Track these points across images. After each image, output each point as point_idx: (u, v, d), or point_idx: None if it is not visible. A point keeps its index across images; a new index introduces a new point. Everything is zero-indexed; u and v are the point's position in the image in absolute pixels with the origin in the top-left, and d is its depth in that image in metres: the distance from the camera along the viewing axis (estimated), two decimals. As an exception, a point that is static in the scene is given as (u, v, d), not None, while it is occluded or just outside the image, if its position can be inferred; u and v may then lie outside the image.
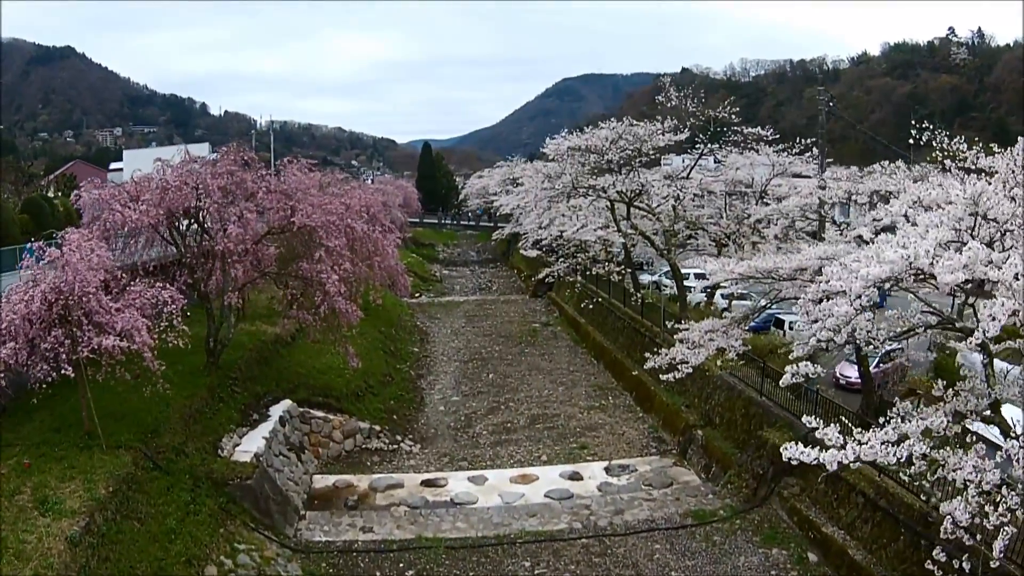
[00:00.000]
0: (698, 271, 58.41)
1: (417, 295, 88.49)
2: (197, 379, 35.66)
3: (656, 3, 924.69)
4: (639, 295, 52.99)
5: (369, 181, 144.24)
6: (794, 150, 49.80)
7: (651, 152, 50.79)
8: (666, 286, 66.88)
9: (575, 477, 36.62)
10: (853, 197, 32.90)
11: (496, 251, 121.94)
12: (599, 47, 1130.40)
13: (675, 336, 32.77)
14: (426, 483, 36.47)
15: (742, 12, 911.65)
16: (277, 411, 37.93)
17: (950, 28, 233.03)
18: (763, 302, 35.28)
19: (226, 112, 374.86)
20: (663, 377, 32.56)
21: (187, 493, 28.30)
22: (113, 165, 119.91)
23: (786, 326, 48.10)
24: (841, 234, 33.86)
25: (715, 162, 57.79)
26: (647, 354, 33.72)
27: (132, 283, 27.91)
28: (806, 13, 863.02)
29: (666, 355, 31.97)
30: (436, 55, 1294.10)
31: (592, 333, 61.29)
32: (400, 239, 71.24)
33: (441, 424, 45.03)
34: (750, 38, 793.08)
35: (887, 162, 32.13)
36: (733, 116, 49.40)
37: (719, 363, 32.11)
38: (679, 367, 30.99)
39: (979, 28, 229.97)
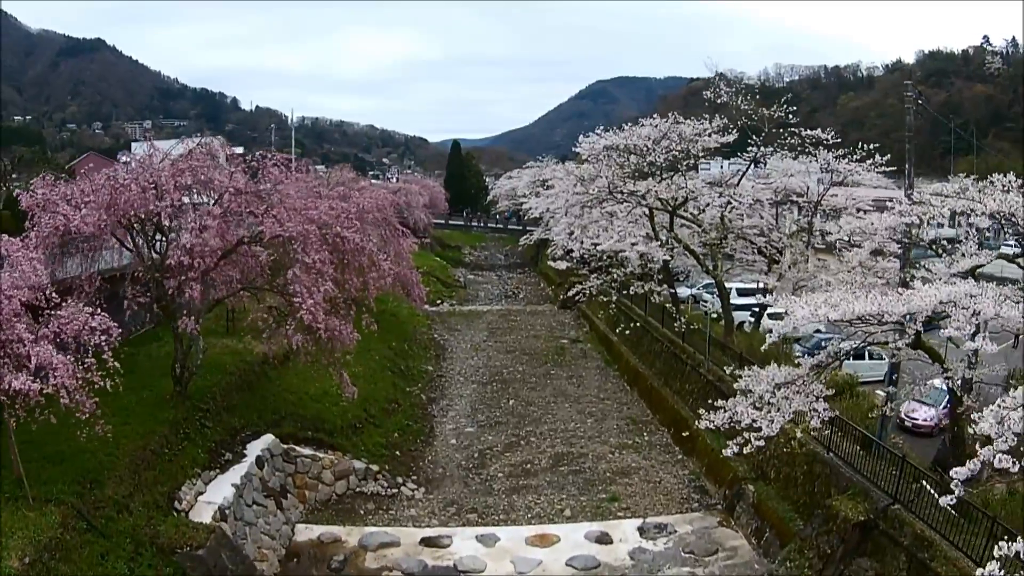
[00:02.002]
0: (740, 286, 52.96)
1: (438, 302, 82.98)
2: (160, 411, 30.20)
3: (689, 4, 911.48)
4: (683, 319, 46.77)
5: (393, 179, 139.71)
6: (854, 156, 43.83)
7: (700, 154, 45.14)
8: (706, 301, 61.52)
9: (603, 540, 30.73)
10: (959, 218, 26.95)
11: (525, 256, 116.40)
12: (632, 50, 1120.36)
13: (735, 385, 26.47)
14: (426, 541, 30.71)
15: (776, 16, 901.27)
16: (255, 449, 32.35)
17: (984, 37, 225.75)
18: (836, 338, 29.56)
19: (257, 107, 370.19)
20: (726, 453, 26.22)
21: (125, 563, 22.86)
22: (123, 158, 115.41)
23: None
24: (938, 255, 28.02)
25: (756, 167, 51.76)
26: (702, 410, 27.06)
27: (63, 304, 22.42)
28: (840, 17, 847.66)
29: (725, 412, 25.60)
30: (467, 55, 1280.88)
31: (626, 355, 55.26)
32: (417, 243, 65.77)
33: (451, 462, 39.32)
34: (784, 43, 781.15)
35: (1002, 175, 26.12)
36: (790, 116, 43.69)
37: (799, 432, 25.97)
38: (746, 434, 24.60)
39: (1013, 37, 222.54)
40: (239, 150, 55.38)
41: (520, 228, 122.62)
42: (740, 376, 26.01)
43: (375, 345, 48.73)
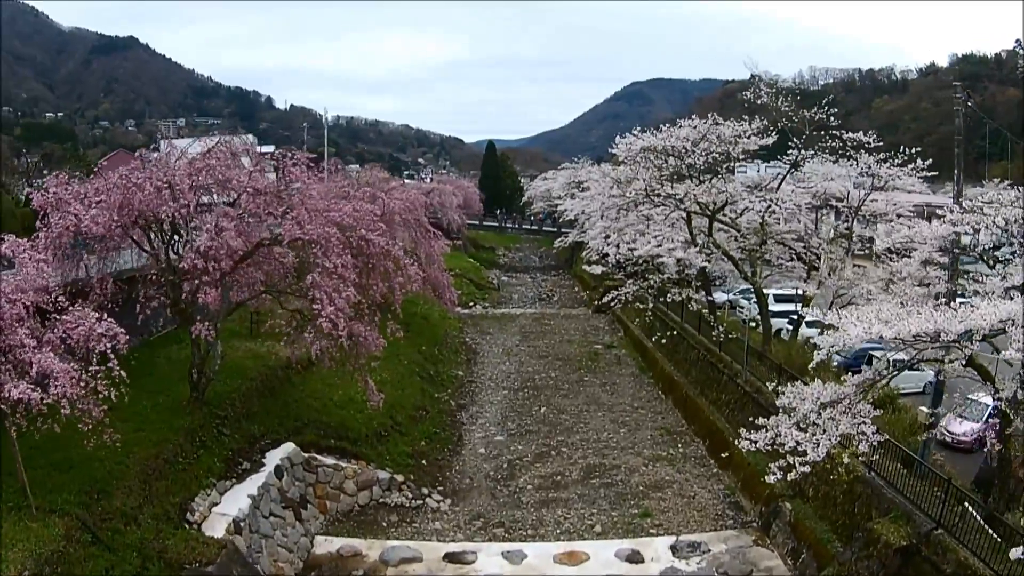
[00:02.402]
0: (777, 292, 51.32)
1: (471, 305, 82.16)
2: (175, 418, 29.20)
3: (723, 4, 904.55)
4: (721, 328, 44.96)
5: (427, 179, 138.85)
6: (896, 160, 42.05)
7: (740, 157, 43.61)
8: (742, 307, 59.95)
9: (634, 559, 29.30)
10: (1013, 227, 25.17)
11: (559, 257, 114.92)
12: (667, 51, 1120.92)
13: (777, 402, 24.81)
14: (450, 557, 29.42)
15: (811, 18, 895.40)
16: (275, 458, 31.29)
17: (1017, 41, 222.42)
18: (880, 350, 28.03)
19: (291, 106, 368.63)
20: (771, 479, 24.47)
21: (131, 579, 21.82)
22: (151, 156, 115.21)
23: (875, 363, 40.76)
24: (990, 266, 26.45)
25: (795, 170, 49.77)
26: (743, 430, 25.43)
27: (72, 307, 21.35)
28: (873, 20, 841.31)
29: (767, 432, 23.89)
30: (503, 56, 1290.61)
31: (661, 362, 53.61)
32: (449, 245, 64.53)
33: (479, 473, 38.02)
34: (818, 46, 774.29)
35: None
36: (831, 118, 42.06)
37: (846, 457, 24.07)
38: (789, 458, 22.97)
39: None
40: (269, 149, 54.53)
41: (555, 230, 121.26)
42: (782, 392, 24.41)
43: (404, 349, 47.59)
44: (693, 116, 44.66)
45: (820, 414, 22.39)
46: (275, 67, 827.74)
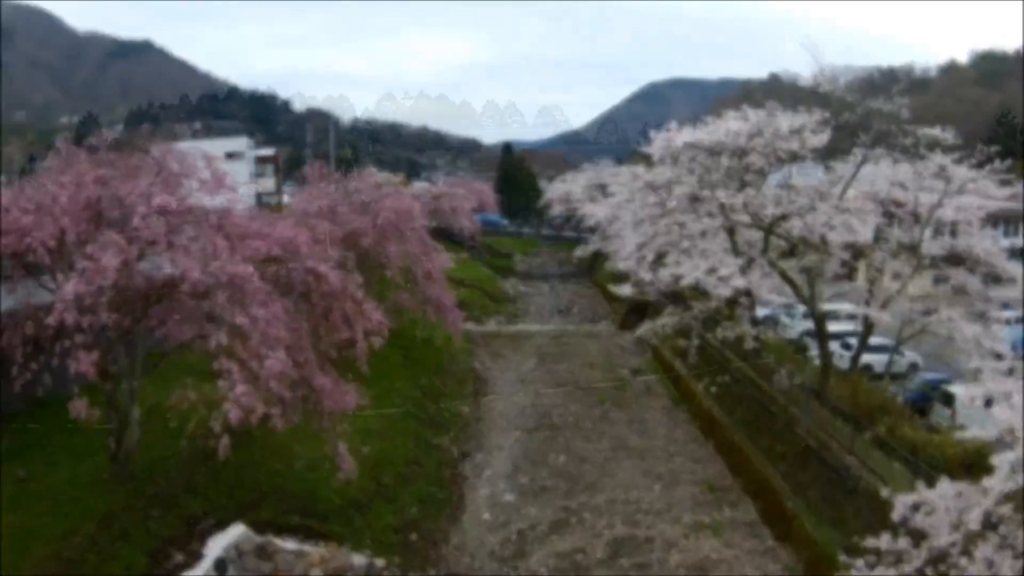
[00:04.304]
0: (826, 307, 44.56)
1: (483, 320, 75.78)
2: (92, 497, 22.80)
3: (739, 4, 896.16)
4: (782, 371, 37.25)
5: (439, 183, 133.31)
6: (972, 160, 35.70)
7: (807, 155, 36.83)
8: (786, 325, 53.26)
9: None
10: None
11: (580, 265, 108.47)
12: (685, 52, 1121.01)
13: (893, 515, 17.22)
14: None
15: (827, 17, 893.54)
16: (218, 546, 24.21)
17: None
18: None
19: (308, 109, 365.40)
20: None
21: None
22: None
23: (957, 403, 33.86)
24: None
25: (826, 171, 42.61)
26: (842, 557, 17.84)
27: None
28: (891, 17, 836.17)
29: (889, 566, 16.14)
30: (521, 56, 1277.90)
31: (699, 395, 46.03)
32: (453, 259, 57.58)
33: (481, 549, 30.76)
34: (837, 44, 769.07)
35: None
36: (904, 110, 35.46)
37: None
38: None
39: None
40: (270, 151, 48.28)
41: (576, 236, 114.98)
42: (898, 497, 16.84)
43: (400, 383, 41.22)
44: (744, 105, 37.53)
45: (970, 552, 14.74)
46: (302, 70, 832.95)
